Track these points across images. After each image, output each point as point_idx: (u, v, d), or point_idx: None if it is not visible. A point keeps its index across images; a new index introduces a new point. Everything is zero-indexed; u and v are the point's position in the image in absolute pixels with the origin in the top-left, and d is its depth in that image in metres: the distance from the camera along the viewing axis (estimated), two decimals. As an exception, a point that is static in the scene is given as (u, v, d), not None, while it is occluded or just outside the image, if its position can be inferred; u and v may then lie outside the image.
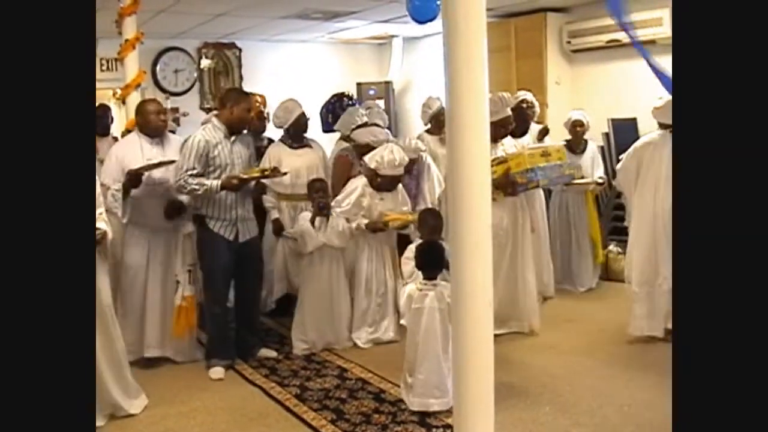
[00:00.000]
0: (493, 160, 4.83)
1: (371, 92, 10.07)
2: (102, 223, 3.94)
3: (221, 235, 4.84)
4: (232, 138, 4.85)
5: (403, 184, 5.57)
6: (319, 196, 5.25)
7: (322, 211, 5.20)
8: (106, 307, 4.01)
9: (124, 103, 5.86)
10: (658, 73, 2.72)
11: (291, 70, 9.82)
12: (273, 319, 6.01)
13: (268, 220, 5.80)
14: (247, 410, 4.33)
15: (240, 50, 9.69)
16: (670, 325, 4.97)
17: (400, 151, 5.31)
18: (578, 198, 6.76)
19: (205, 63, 9.44)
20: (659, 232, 5.08)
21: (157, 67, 9.01)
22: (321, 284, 5.29)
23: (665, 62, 6.02)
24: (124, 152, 4.96)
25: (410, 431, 3.95)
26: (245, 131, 5.13)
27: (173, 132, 5.95)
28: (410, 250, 4.52)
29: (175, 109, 8.99)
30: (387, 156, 5.24)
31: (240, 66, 9.71)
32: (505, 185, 4.94)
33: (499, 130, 5.31)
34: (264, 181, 5.26)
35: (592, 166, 6.67)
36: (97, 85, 5.64)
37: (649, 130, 5.74)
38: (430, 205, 5.56)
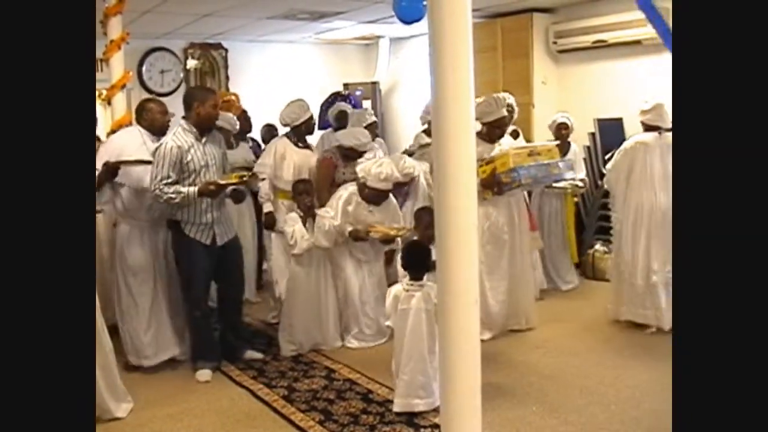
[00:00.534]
0: (481, 161, 4.87)
1: (358, 93, 10.07)
2: None
3: (197, 240, 4.77)
4: (203, 139, 4.77)
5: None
6: (303, 198, 5.26)
7: (308, 212, 5.20)
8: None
9: (109, 103, 5.83)
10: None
11: (277, 71, 9.81)
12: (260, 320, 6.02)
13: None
14: (234, 412, 4.32)
15: (226, 51, 9.65)
16: (665, 315, 5.28)
17: (390, 166, 5.30)
18: (558, 199, 6.80)
19: (192, 63, 9.39)
20: (653, 227, 5.33)
21: (143, 68, 8.95)
22: (308, 285, 5.28)
23: (651, 63, 6.02)
24: (125, 141, 4.94)
25: (398, 431, 3.95)
26: (227, 129, 5.13)
27: None
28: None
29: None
30: (374, 169, 5.23)
31: (226, 66, 9.67)
32: (491, 185, 4.98)
33: (494, 131, 5.35)
34: (264, 176, 5.29)
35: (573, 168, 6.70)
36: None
37: (635, 130, 5.81)
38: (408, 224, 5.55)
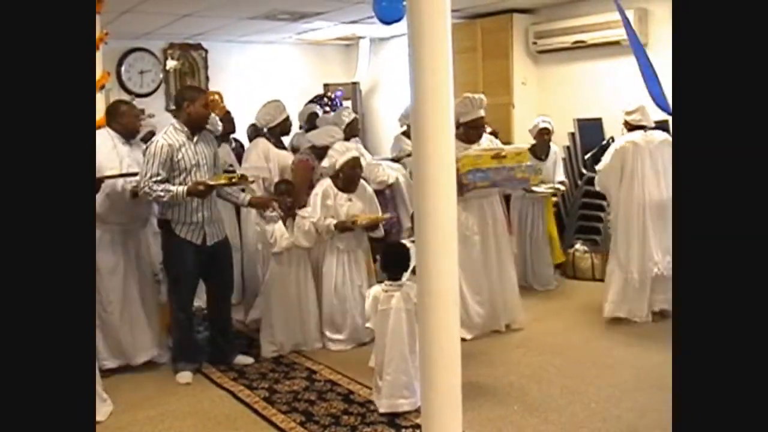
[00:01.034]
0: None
1: (338, 93, 10.07)
2: None
3: (187, 240, 4.76)
4: (195, 138, 4.77)
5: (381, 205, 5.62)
6: (284, 198, 5.25)
7: (289, 212, 5.20)
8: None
9: (88, 104, 5.77)
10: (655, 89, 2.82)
11: (258, 71, 9.78)
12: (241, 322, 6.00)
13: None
14: (215, 414, 4.31)
15: (206, 51, 9.61)
16: (656, 308, 5.61)
17: (354, 145, 5.41)
18: (538, 202, 6.81)
19: (171, 64, 9.34)
20: (648, 222, 5.52)
21: (122, 68, 8.91)
22: (288, 286, 5.27)
23: (630, 63, 6.08)
24: (97, 147, 4.91)
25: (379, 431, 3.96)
26: (209, 129, 5.12)
27: (153, 133, 5.90)
28: None
29: (141, 111, 8.91)
30: (338, 146, 5.35)
31: (206, 67, 9.63)
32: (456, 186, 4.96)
33: (471, 132, 5.36)
34: (252, 178, 5.34)
35: (554, 170, 6.78)
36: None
37: (615, 130, 5.90)
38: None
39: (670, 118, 6.24)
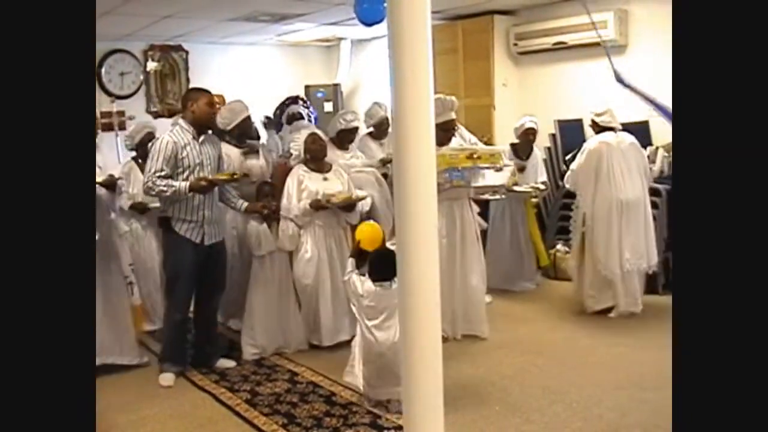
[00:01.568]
0: None
1: (319, 95, 10.05)
2: None
3: (187, 237, 4.79)
4: (201, 138, 4.83)
5: None
6: (268, 200, 5.24)
7: (273, 214, 5.18)
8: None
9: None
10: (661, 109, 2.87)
11: (239, 73, 9.73)
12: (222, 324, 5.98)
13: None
14: (197, 417, 4.29)
15: (187, 53, 9.56)
16: (638, 300, 5.86)
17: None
18: (518, 202, 6.81)
19: (152, 65, 9.28)
20: (624, 219, 5.73)
21: (102, 70, 8.82)
22: (270, 288, 5.26)
23: (607, 64, 6.10)
24: None
25: (362, 433, 3.96)
26: (210, 131, 5.12)
27: (153, 134, 5.88)
28: None
29: (121, 113, 8.87)
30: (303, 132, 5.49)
31: (187, 69, 9.58)
32: None
33: (441, 134, 5.34)
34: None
35: (536, 171, 6.76)
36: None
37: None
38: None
39: (632, 120, 6.44)
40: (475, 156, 5.02)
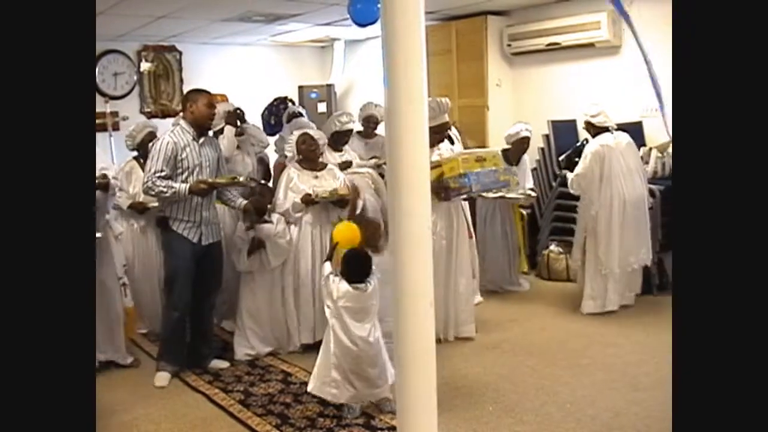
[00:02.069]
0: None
1: (313, 95, 10.05)
2: None
3: (184, 236, 4.81)
4: (201, 140, 4.85)
5: None
6: (256, 198, 5.23)
7: (264, 213, 5.17)
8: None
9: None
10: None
11: (232, 73, 9.73)
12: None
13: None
14: (191, 417, 4.29)
15: (180, 53, 9.56)
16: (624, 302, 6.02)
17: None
18: (505, 204, 6.75)
19: (145, 66, 9.27)
20: (626, 219, 5.84)
21: (96, 70, 8.82)
22: (263, 288, 5.26)
23: (604, 65, 6.11)
24: None
25: (355, 434, 3.96)
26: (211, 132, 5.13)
27: (154, 134, 5.86)
28: None
29: (115, 113, 8.85)
30: (295, 132, 5.46)
31: (180, 69, 9.58)
32: (438, 190, 4.94)
33: (434, 136, 5.33)
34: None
35: (524, 177, 6.72)
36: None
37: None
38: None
39: (625, 121, 6.47)
40: (482, 158, 5.05)
